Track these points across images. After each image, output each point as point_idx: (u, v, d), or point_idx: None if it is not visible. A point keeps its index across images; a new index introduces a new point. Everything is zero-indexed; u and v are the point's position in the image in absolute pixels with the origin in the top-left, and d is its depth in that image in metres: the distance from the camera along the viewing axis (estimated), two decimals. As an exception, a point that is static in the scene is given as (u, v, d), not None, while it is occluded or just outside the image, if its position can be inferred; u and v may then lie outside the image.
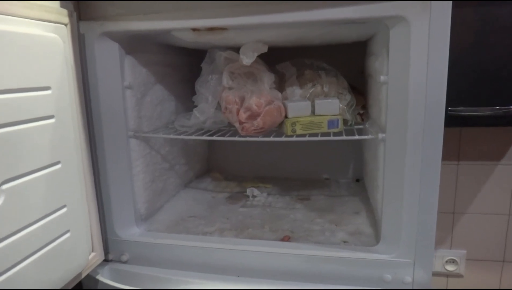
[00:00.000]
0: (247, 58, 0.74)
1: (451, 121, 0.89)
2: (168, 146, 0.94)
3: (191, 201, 1.01)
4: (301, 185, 1.13)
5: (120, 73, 0.76)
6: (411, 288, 0.71)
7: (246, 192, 1.06)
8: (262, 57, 0.86)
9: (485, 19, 0.80)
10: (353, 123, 0.83)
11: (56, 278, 0.63)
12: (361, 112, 0.89)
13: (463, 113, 0.89)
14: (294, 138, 0.76)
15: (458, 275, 1.24)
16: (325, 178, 1.19)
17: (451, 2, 0.60)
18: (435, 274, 1.25)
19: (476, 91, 0.86)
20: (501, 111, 0.86)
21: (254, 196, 1.04)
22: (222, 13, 0.65)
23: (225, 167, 1.26)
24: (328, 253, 0.73)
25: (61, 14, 0.67)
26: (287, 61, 0.90)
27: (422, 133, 0.65)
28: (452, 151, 1.18)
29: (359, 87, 0.97)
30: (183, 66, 0.99)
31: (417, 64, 0.62)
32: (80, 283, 0.79)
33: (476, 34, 0.81)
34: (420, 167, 0.66)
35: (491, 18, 0.80)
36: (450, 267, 1.23)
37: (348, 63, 0.97)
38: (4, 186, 0.51)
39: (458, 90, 0.87)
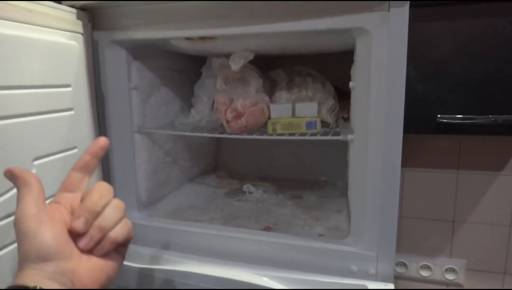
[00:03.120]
0: (235, 64, 0.83)
1: (442, 128, 0.92)
2: (172, 142, 1.05)
3: (192, 194, 1.11)
4: (297, 185, 1.20)
5: (127, 76, 0.88)
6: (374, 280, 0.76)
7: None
8: (260, 64, 0.96)
9: (475, 29, 0.84)
10: (334, 126, 0.90)
11: None
12: (346, 116, 0.95)
13: (452, 121, 0.92)
14: (273, 137, 0.84)
15: (457, 285, 1.25)
16: (323, 180, 1.25)
17: (407, 16, 0.66)
18: (435, 282, 1.27)
19: (468, 99, 0.88)
20: (493, 119, 0.88)
21: (250, 192, 1.12)
22: (209, 24, 0.75)
23: (232, 167, 1.35)
24: (301, 243, 0.80)
25: (78, 25, 0.80)
26: (279, 68, 0.99)
27: (383, 137, 0.70)
28: (452, 160, 1.19)
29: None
30: (189, 71, 1.10)
31: (377, 73, 0.69)
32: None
33: (466, 43, 0.84)
34: (381, 170, 0.72)
35: (481, 28, 0.83)
36: (450, 276, 1.24)
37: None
38: (36, 162, 0.64)
39: (450, 98, 0.90)
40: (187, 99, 1.07)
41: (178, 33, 0.79)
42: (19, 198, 0.41)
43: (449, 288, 1.26)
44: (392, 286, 0.73)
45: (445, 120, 0.91)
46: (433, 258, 1.26)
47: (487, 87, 0.86)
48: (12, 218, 0.58)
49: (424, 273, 1.26)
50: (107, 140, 0.50)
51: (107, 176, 0.90)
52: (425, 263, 1.26)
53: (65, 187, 0.46)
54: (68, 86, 0.72)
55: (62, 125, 0.70)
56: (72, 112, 0.72)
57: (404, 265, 1.27)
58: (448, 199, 1.21)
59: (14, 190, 0.58)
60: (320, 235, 0.86)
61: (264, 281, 0.78)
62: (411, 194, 1.24)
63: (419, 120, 0.90)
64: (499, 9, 0.79)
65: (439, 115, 0.91)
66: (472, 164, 1.18)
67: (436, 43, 0.86)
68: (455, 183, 1.20)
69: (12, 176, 0.42)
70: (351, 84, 0.75)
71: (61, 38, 0.73)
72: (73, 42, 0.76)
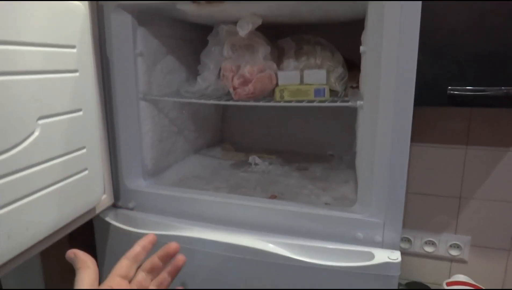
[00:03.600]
0: (243, 30, 0.81)
1: (452, 100, 0.90)
2: (177, 111, 1.04)
3: (197, 165, 1.11)
4: (304, 158, 1.19)
5: (133, 42, 0.87)
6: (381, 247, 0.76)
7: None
8: (268, 33, 0.94)
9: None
10: (343, 94, 0.88)
11: (75, 206, 0.75)
12: (355, 86, 0.94)
13: (463, 93, 0.90)
14: (281, 104, 0.83)
15: (461, 261, 1.25)
16: (330, 154, 1.25)
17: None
18: (439, 258, 1.27)
19: (480, 71, 0.86)
20: (505, 91, 0.86)
21: (256, 164, 1.12)
22: (216, -14, 0.74)
23: (237, 139, 1.35)
24: (307, 210, 0.80)
25: (82, -13, 0.78)
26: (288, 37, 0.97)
27: (393, 103, 0.69)
28: (461, 135, 1.18)
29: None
30: (195, 40, 1.08)
31: (389, 37, 0.66)
32: (91, 224, 0.91)
33: (479, 14, 0.82)
34: (390, 135, 0.70)
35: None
36: (454, 252, 1.24)
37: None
38: (40, 121, 0.63)
39: (460, 70, 0.88)
40: (193, 68, 1.06)
41: (185, -5, 0.77)
42: (78, 279, 0.50)
43: (453, 264, 1.26)
44: (398, 253, 0.73)
45: (456, 92, 0.89)
46: (437, 234, 1.25)
47: (499, 59, 0.84)
48: (15, 176, 0.58)
49: (428, 249, 1.26)
50: (155, 236, 0.60)
51: (112, 143, 0.90)
52: (429, 239, 1.25)
53: (117, 272, 0.54)
54: (73, 47, 0.71)
55: (66, 86, 0.69)
56: (77, 74, 0.71)
57: (408, 240, 1.27)
58: (455, 175, 1.20)
59: (18, 148, 0.59)
60: (326, 203, 0.85)
61: (270, 247, 0.78)
62: (418, 170, 1.23)
63: (430, 92, 0.89)
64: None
65: (450, 87, 0.89)
66: (481, 139, 1.17)
67: (449, 13, 0.84)
68: (463, 159, 1.19)
69: (74, 258, 0.52)
70: (361, 48, 0.73)
71: (66, -2, 0.72)
72: (78, 3, 0.74)
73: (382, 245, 0.76)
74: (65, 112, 0.69)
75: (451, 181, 1.21)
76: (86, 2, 0.78)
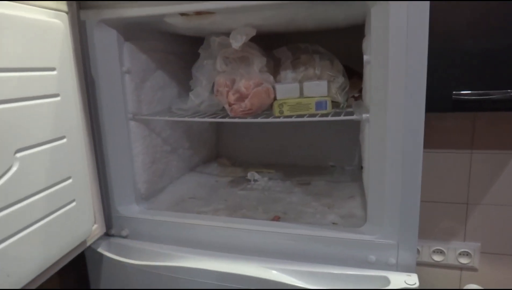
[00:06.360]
0: (236, 42, 0.76)
1: (457, 105, 0.87)
2: (169, 129, 0.99)
3: (194, 184, 1.05)
4: (304, 171, 1.14)
5: (119, 59, 0.81)
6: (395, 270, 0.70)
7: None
8: (262, 44, 0.88)
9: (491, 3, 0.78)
10: (345, 105, 0.83)
11: (63, 243, 0.69)
12: (357, 95, 0.89)
13: (468, 98, 0.86)
14: (281, 119, 0.78)
15: (472, 268, 1.20)
16: (331, 165, 1.19)
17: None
18: (449, 266, 1.22)
19: (484, 75, 0.83)
20: (511, 93, 0.83)
21: (255, 180, 1.06)
22: (206, -3, 0.68)
23: (234, 154, 1.29)
24: (314, 233, 0.74)
25: (62, 2, 0.72)
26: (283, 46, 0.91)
27: (403, 115, 0.64)
28: (465, 139, 1.14)
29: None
30: (186, 53, 1.03)
31: (396, 44, 0.62)
32: (83, 255, 0.85)
33: (482, 17, 0.79)
34: (402, 150, 0.66)
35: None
36: (464, 260, 1.20)
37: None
38: (18, 155, 0.57)
39: (464, 74, 0.85)
40: (184, 83, 1.00)
41: (172, 8, 0.71)
42: None
43: (463, 272, 1.22)
44: (415, 276, 0.68)
45: (461, 97, 0.86)
46: (446, 242, 1.21)
47: (504, 61, 0.81)
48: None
49: (437, 258, 1.21)
50: None
51: (102, 169, 0.83)
52: (438, 247, 1.21)
53: None
54: (52, 69, 0.65)
55: (47, 113, 0.63)
56: (58, 98, 0.66)
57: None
58: (461, 181, 1.16)
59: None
60: (333, 223, 0.80)
61: (273, 274, 0.72)
62: (422, 176, 1.18)
63: (434, 98, 0.85)
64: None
65: (454, 92, 0.86)
66: (486, 143, 1.13)
67: (450, 16, 0.80)
68: (469, 164, 1.15)
69: None
70: (365, 58, 0.68)
71: (42, 16, 0.66)
72: (56, 21, 0.68)
73: (397, 267, 0.70)
74: (47, 141, 0.63)
75: (457, 187, 1.17)
76: (66, 18, 0.72)
